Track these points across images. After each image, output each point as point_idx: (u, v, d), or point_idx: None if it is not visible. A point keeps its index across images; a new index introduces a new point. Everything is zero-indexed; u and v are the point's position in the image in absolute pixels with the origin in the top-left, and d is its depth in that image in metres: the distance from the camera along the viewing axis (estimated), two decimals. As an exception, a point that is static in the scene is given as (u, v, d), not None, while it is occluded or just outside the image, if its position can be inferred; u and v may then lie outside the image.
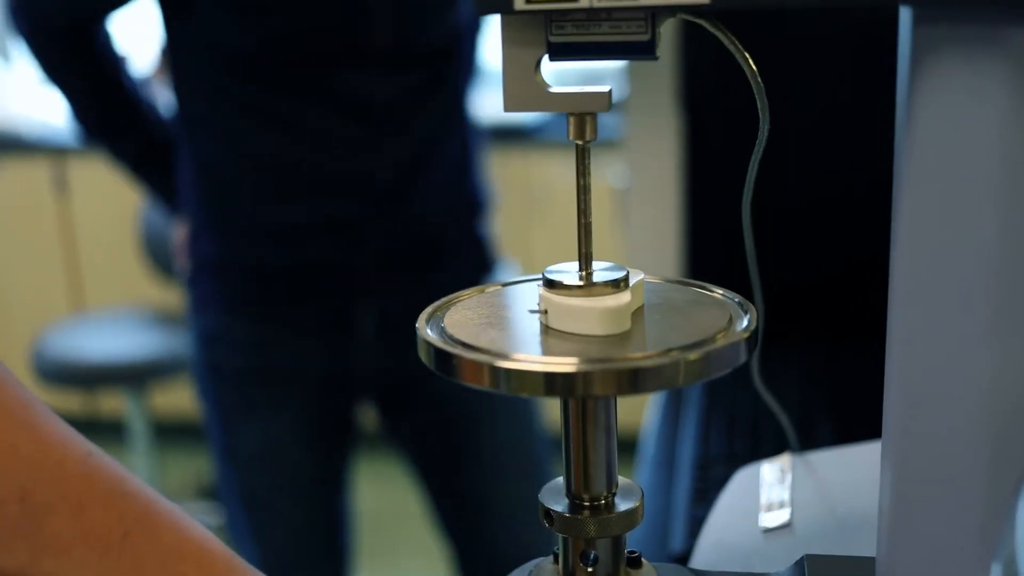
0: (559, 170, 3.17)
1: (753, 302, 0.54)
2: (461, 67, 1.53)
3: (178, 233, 1.61)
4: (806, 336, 1.26)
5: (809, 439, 0.75)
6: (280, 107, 1.42)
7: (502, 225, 3.25)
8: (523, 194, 3.22)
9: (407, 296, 1.52)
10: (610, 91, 0.49)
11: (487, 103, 3.10)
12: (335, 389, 1.55)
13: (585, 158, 0.50)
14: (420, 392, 1.57)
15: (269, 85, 1.41)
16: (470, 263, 1.59)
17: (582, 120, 0.49)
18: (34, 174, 3.40)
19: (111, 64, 1.51)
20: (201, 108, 1.45)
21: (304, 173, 1.45)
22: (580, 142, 0.50)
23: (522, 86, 0.49)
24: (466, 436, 1.58)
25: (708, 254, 1.37)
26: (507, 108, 0.49)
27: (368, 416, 1.66)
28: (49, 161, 3.36)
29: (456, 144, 1.54)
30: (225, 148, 1.45)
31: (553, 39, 0.48)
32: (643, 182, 1.38)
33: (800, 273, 1.24)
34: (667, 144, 1.34)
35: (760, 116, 0.51)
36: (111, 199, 3.27)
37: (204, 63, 1.42)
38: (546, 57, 0.49)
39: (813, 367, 1.24)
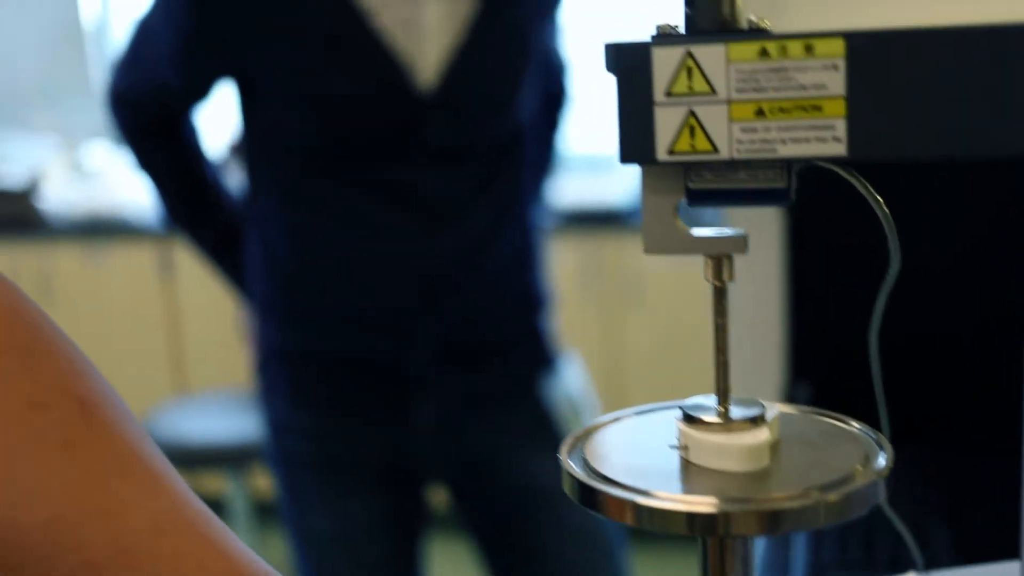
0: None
1: (879, 427, 0.55)
2: (522, 162, 1.56)
3: (246, 321, 1.66)
4: (921, 434, 1.25)
5: (926, 547, 0.75)
6: (338, 198, 1.47)
7: (595, 310, 3.28)
8: (616, 279, 3.23)
9: (463, 388, 1.55)
10: (747, 235, 0.51)
11: (575, 187, 3.14)
12: (400, 475, 1.57)
13: (722, 299, 0.52)
14: (484, 479, 1.59)
15: (328, 176, 1.46)
16: (527, 358, 1.60)
17: (719, 262, 0.51)
18: (140, 257, 3.50)
19: (195, 153, 1.58)
20: (267, 196, 1.51)
21: (361, 263, 1.49)
22: (718, 283, 0.52)
23: (662, 230, 0.51)
24: (533, 524, 1.58)
25: (812, 352, 1.37)
26: (647, 250, 0.51)
27: (442, 497, 1.68)
28: (154, 244, 3.46)
29: (515, 238, 1.56)
30: (288, 236, 1.50)
31: (692, 186, 0.50)
32: (746, 279, 1.38)
33: (915, 373, 1.23)
34: (770, 242, 1.35)
35: (891, 255, 0.52)
36: (215, 282, 3.36)
37: (270, 152, 1.49)
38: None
39: (927, 467, 1.23)
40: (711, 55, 0.47)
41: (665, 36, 0.48)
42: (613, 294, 3.25)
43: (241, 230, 1.60)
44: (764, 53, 0.47)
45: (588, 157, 3.41)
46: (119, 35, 4.14)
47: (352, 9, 1.39)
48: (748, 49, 0.47)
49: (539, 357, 1.61)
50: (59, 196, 3.61)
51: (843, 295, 1.24)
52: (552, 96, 1.69)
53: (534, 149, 1.62)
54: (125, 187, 3.57)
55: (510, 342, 1.60)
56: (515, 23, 1.50)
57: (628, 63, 0.48)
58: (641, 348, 3.24)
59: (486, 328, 1.57)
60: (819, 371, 1.36)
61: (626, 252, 3.23)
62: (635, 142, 0.49)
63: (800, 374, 1.37)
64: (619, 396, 3.20)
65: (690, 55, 0.47)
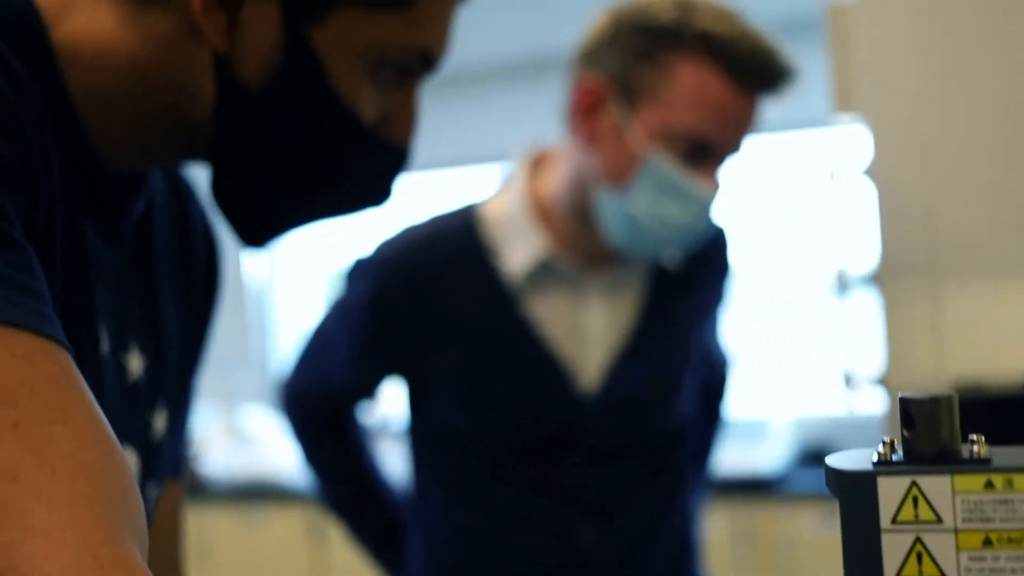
0: (804, 522, 3.12)
1: None
2: (683, 456, 1.57)
3: None
4: None
5: None
6: (500, 496, 1.49)
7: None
8: (768, 547, 3.16)
9: None
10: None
11: (724, 455, 3.12)
12: None
13: None
14: None
15: (490, 474, 1.49)
16: None
17: None
18: (292, 520, 3.56)
19: (360, 448, 1.62)
20: (431, 491, 1.54)
21: (522, 561, 1.50)
22: None
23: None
24: None
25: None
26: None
27: None
28: (306, 508, 3.52)
29: (675, 532, 1.56)
30: (450, 533, 1.52)
31: None
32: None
33: None
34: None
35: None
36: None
37: (435, 449, 1.53)
38: None
39: None
40: (936, 485, 0.49)
41: (887, 463, 0.50)
42: (766, 563, 3.17)
43: (401, 525, 1.63)
44: (990, 485, 0.48)
45: (736, 424, 3.40)
46: (280, 303, 4.35)
47: (522, 320, 1.45)
48: (974, 481, 0.48)
49: None
50: (218, 460, 3.73)
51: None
52: (712, 387, 1.71)
53: (694, 441, 1.63)
54: (279, 451, 3.67)
55: None
56: (676, 327, 1.53)
57: (853, 490, 0.50)
58: (797, 623, 3.14)
59: None
60: None
61: (778, 520, 3.17)
62: (862, 566, 0.50)
63: None
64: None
65: (915, 485, 0.49)
